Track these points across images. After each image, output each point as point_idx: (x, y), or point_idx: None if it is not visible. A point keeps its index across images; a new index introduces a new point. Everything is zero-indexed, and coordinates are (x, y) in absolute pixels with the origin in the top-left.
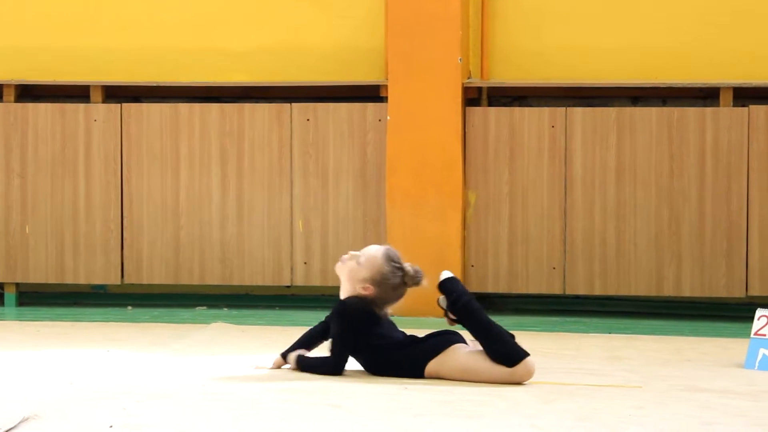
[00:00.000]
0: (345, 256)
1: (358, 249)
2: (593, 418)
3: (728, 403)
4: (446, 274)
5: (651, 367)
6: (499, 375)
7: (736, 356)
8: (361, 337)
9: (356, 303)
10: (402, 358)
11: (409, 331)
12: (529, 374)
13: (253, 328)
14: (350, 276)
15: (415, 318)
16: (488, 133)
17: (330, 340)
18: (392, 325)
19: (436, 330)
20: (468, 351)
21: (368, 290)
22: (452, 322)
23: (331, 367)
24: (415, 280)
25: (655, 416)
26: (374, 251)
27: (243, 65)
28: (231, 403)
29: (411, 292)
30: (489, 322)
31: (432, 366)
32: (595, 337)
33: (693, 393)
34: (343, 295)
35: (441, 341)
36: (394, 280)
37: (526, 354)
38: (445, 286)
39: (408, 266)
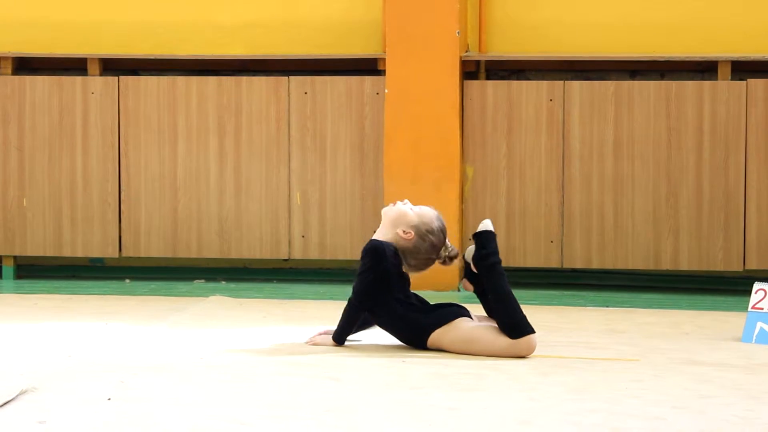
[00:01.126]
0: (399, 201)
1: (354, 221)
2: (590, 391)
3: (725, 376)
4: (487, 225)
5: (648, 340)
6: (501, 348)
7: (734, 329)
8: (382, 284)
9: (390, 247)
10: (408, 323)
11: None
12: (530, 350)
13: (251, 301)
14: (397, 218)
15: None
16: (486, 107)
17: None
18: (408, 286)
19: (444, 302)
20: (472, 324)
21: (409, 236)
22: (469, 280)
23: (355, 306)
24: (449, 252)
25: (652, 389)
26: (429, 208)
27: (240, 38)
28: (229, 375)
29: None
30: (509, 290)
31: (435, 336)
32: (592, 311)
33: (690, 366)
34: (377, 235)
35: (448, 312)
36: (435, 240)
37: (532, 330)
38: (481, 238)
39: (449, 242)
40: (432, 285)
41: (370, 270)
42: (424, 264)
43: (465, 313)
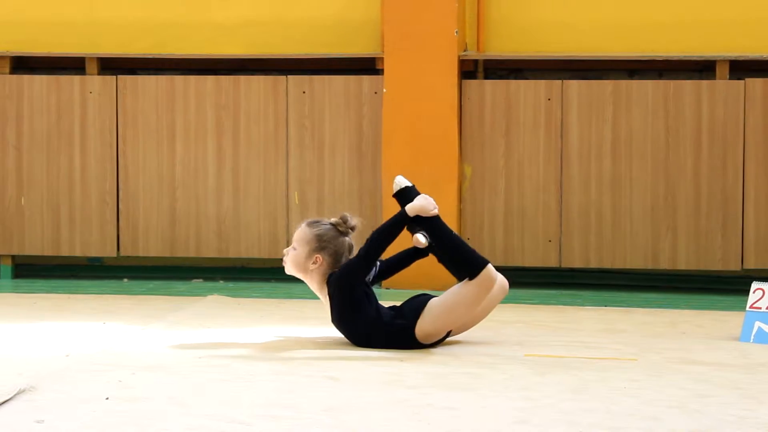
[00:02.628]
0: (283, 257)
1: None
2: (588, 390)
3: (723, 375)
4: (400, 183)
5: (646, 339)
6: (474, 296)
7: (732, 329)
8: (360, 301)
9: (335, 274)
10: (395, 336)
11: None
12: (493, 281)
13: (249, 300)
14: (297, 265)
15: (412, 291)
16: (484, 106)
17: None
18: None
19: (409, 298)
20: (441, 297)
21: (318, 261)
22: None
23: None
24: (347, 224)
25: (650, 388)
26: (297, 230)
27: (239, 37)
28: (227, 375)
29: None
30: (449, 232)
31: (420, 328)
32: (590, 310)
33: (688, 365)
34: (313, 288)
35: (419, 301)
36: (330, 234)
37: (485, 261)
38: (402, 196)
39: (334, 219)
40: (430, 285)
41: (351, 277)
42: (350, 250)
43: (432, 296)
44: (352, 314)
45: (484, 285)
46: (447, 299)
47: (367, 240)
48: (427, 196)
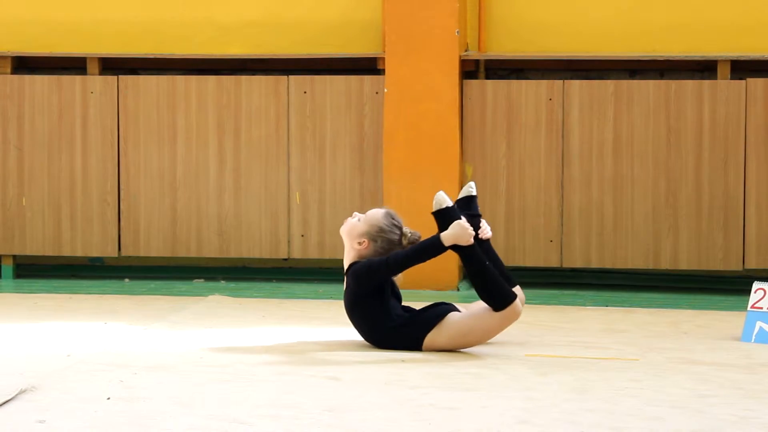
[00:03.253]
0: (349, 218)
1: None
2: (589, 391)
3: (724, 375)
4: (444, 202)
5: (648, 339)
6: (494, 328)
7: (733, 329)
8: (375, 299)
9: (365, 263)
10: (401, 335)
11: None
12: (518, 315)
13: (250, 300)
14: (350, 232)
15: (415, 291)
16: (485, 106)
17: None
18: (400, 302)
19: (431, 303)
20: (460, 316)
21: (364, 244)
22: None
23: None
24: (410, 239)
25: (652, 388)
26: (375, 210)
27: (240, 37)
28: (228, 375)
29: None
30: (484, 261)
31: (429, 339)
32: (592, 310)
33: (689, 366)
34: (346, 260)
35: (436, 313)
36: (391, 236)
37: (514, 296)
38: (442, 215)
39: (407, 228)
40: (432, 285)
41: (369, 274)
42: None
43: (452, 308)
44: (361, 309)
45: (508, 319)
46: (467, 322)
47: (400, 253)
48: (464, 223)
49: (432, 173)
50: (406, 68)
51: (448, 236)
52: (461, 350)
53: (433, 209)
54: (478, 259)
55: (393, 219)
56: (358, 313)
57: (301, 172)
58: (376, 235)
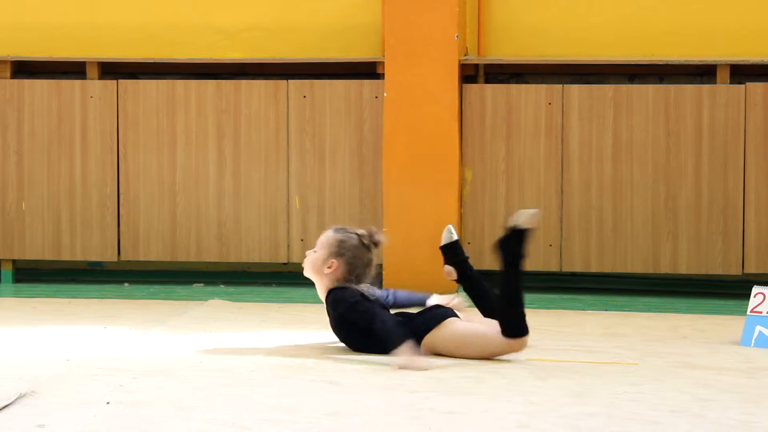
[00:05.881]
0: (304, 260)
1: (353, 225)
2: (589, 395)
3: (724, 380)
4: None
5: (647, 344)
6: (495, 348)
7: (732, 333)
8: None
9: (341, 288)
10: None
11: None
12: (522, 348)
13: (250, 305)
14: (314, 267)
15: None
16: (485, 110)
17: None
18: (379, 303)
19: (430, 307)
20: (463, 324)
21: (333, 266)
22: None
23: (379, 325)
24: (372, 237)
25: (651, 393)
26: (323, 234)
27: (239, 42)
28: (228, 379)
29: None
30: (521, 290)
31: (428, 340)
32: (591, 315)
33: (689, 370)
34: (320, 292)
35: (436, 315)
36: (351, 243)
37: (528, 330)
38: (517, 237)
39: (360, 230)
40: (432, 289)
41: (352, 306)
42: (367, 264)
43: (452, 313)
44: (348, 324)
45: (511, 347)
46: (470, 333)
47: (381, 322)
48: (414, 358)
49: (432, 177)
50: (406, 72)
51: (398, 360)
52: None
53: (441, 243)
54: (513, 283)
55: (344, 229)
56: (346, 328)
57: (301, 177)
58: (339, 249)
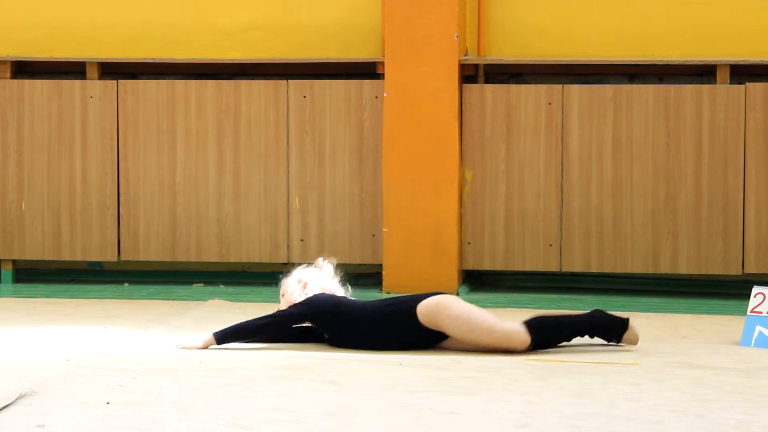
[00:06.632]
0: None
1: (353, 225)
2: (589, 395)
3: (724, 380)
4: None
5: (647, 344)
6: (498, 334)
7: (732, 333)
8: (337, 312)
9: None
10: (392, 312)
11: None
12: (523, 345)
13: (250, 305)
14: (289, 299)
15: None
16: (485, 110)
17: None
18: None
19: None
20: (469, 304)
21: (305, 285)
22: None
23: (277, 319)
24: (326, 261)
25: (651, 393)
26: (281, 286)
27: (239, 42)
28: (228, 380)
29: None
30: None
31: (425, 308)
32: None
33: (689, 370)
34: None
35: (429, 293)
36: (304, 267)
37: (528, 339)
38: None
39: (317, 261)
40: (431, 288)
41: (307, 309)
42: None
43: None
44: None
45: (509, 337)
46: (478, 311)
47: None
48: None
49: (432, 177)
50: (406, 73)
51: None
52: (460, 353)
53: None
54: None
55: (301, 266)
56: (334, 328)
57: (301, 177)
58: (302, 276)
